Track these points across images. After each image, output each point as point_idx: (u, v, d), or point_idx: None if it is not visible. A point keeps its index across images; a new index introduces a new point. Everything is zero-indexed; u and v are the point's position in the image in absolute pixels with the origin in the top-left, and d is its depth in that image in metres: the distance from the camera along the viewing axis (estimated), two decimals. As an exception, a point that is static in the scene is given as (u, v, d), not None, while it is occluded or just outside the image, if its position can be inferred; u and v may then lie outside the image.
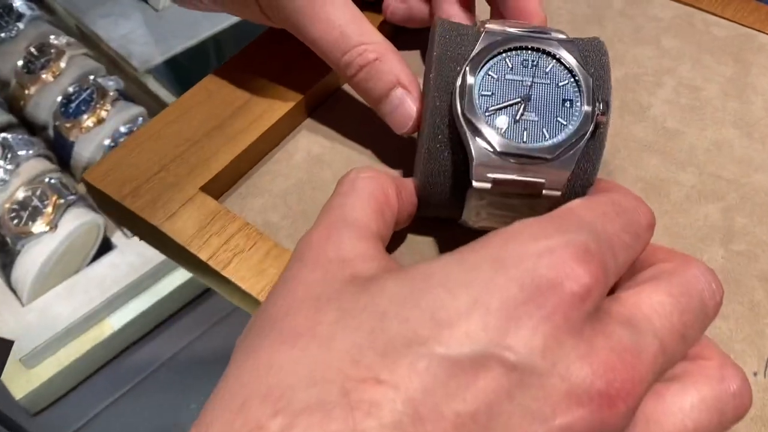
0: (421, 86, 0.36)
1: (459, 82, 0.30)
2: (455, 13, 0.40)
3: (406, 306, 0.20)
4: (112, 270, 0.75)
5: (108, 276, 0.75)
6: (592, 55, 0.32)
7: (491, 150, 0.29)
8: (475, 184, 0.29)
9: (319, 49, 0.36)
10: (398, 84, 0.35)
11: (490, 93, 0.30)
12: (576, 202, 0.25)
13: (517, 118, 0.30)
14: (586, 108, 0.30)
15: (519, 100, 0.30)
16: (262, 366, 0.19)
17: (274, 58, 0.43)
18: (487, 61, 0.30)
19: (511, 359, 0.19)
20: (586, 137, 0.29)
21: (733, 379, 0.23)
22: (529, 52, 0.31)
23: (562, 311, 0.20)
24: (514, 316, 0.20)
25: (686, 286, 0.24)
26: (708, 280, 0.25)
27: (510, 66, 0.31)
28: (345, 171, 0.38)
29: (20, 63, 0.66)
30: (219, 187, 0.39)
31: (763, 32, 0.50)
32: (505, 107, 0.30)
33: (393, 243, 0.35)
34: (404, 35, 0.47)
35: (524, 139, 0.30)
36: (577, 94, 0.30)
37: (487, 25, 0.32)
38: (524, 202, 0.30)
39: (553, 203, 0.29)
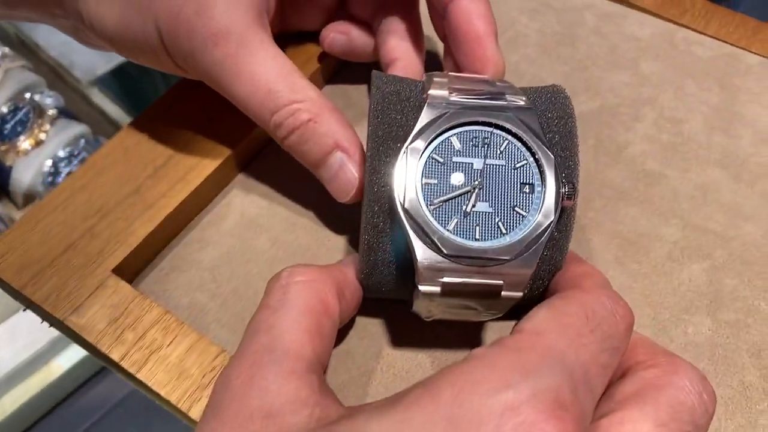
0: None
1: (398, 167, 0.26)
2: (401, 55, 0.36)
3: None
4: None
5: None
6: (555, 116, 0.29)
7: (438, 251, 0.25)
8: (421, 288, 0.26)
9: (245, 108, 0.32)
10: (337, 147, 0.31)
11: (435, 181, 0.27)
12: (544, 324, 0.21)
13: (468, 210, 0.26)
14: (549, 193, 0.26)
15: (469, 188, 0.27)
16: None
17: (197, 106, 0.38)
18: (431, 141, 0.27)
19: None
20: (549, 230, 0.26)
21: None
22: (480, 127, 0.27)
23: None
24: None
25: (675, 407, 0.21)
26: (698, 391, 0.22)
27: (458, 147, 0.27)
28: (284, 236, 0.35)
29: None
30: (136, 264, 0.34)
31: (749, 51, 0.45)
32: (454, 198, 0.26)
33: (341, 329, 0.31)
34: (349, 68, 0.42)
35: (477, 236, 0.26)
36: (538, 176, 0.27)
37: (430, 91, 0.28)
38: (481, 302, 0.27)
39: (515, 303, 0.27)
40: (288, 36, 0.41)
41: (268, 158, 0.39)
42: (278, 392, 0.22)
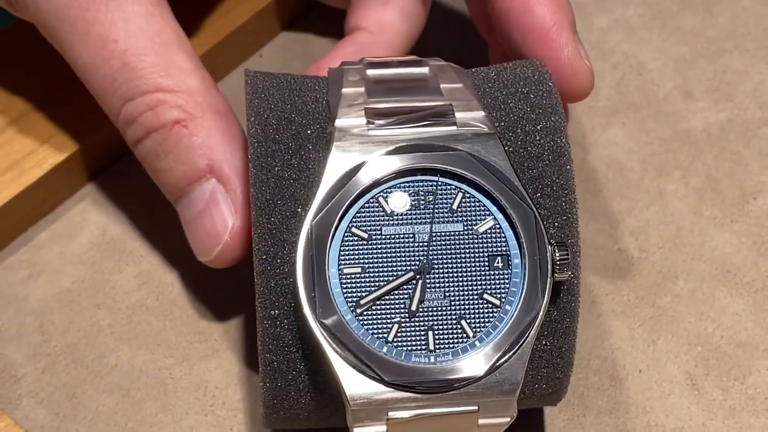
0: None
1: (301, 253, 0.21)
2: (369, 25, 0.29)
3: None
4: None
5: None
6: (537, 128, 0.23)
7: (377, 378, 0.20)
8: (356, 431, 0.21)
9: (89, 85, 0.25)
10: (210, 172, 0.24)
11: (358, 269, 0.21)
12: None
13: (413, 307, 0.21)
14: (531, 266, 0.22)
15: (411, 274, 0.22)
16: None
17: (44, 67, 0.30)
18: (348, 207, 0.21)
19: None
20: (537, 322, 0.21)
21: None
22: (421, 177, 0.22)
23: None
24: None
25: None
26: None
27: (389, 209, 0.22)
28: (160, 275, 0.27)
29: None
30: None
31: None
32: (390, 292, 0.21)
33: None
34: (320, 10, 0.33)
35: (431, 347, 0.21)
36: (514, 241, 0.22)
37: (338, 122, 0.22)
38: None
39: (502, 429, 0.22)
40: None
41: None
42: None
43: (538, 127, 0.23)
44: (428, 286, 0.21)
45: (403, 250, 0.22)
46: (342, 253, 0.21)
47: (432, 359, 0.21)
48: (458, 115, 0.22)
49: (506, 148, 0.22)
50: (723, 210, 0.27)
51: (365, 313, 0.21)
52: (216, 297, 0.27)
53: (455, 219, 0.22)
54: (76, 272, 0.27)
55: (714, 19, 0.32)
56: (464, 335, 0.21)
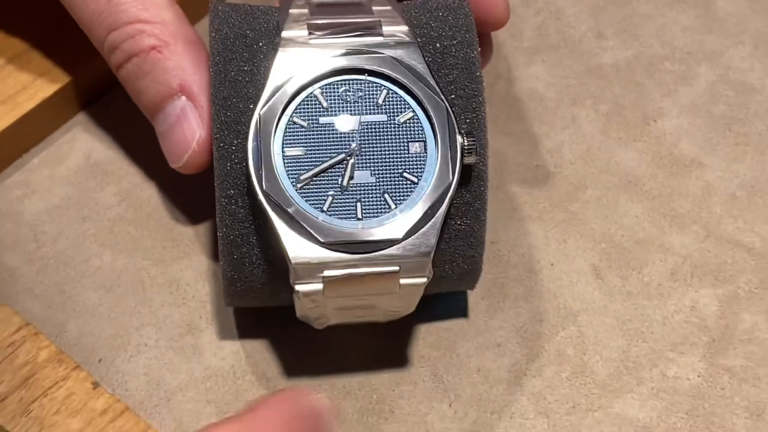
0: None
1: (251, 139, 0.23)
2: None
3: None
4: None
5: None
6: (453, 42, 0.26)
7: (313, 240, 0.23)
8: (298, 288, 0.23)
9: (78, 18, 0.27)
10: (181, 90, 0.26)
11: (299, 151, 0.24)
12: None
13: (345, 183, 0.24)
14: (444, 149, 0.24)
15: (344, 155, 0.24)
16: None
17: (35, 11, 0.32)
18: (290, 100, 0.24)
19: None
20: (449, 194, 0.23)
21: None
22: (350, 76, 0.24)
23: None
24: None
25: None
26: None
27: (324, 104, 0.24)
28: (137, 191, 0.29)
29: None
30: None
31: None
32: (325, 169, 0.24)
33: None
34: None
35: (359, 215, 0.23)
36: (430, 130, 0.24)
37: (284, 33, 0.24)
38: (380, 297, 0.24)
39: (421, 292, 0.24)
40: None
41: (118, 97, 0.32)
42: None
43: (454, 42, 0.25)
44: (357, 166, 0.24)
45: (336, 136, 0.24)
46: (285, 138, 0.24)
47: (360, 225, 0.23)
48: (385, 28, 0.24)
49: (426, 58, 0.24)
50: (627, 131, 0.30)
51: (304, 187, 0.23)
52: (186, 208, 0.29)
53: (380, 111, 0.24)
54: (64, 191, 0.29)
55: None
56: (387, 206, 0.23)
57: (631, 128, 0.30)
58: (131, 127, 0.30)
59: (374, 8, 0.25)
